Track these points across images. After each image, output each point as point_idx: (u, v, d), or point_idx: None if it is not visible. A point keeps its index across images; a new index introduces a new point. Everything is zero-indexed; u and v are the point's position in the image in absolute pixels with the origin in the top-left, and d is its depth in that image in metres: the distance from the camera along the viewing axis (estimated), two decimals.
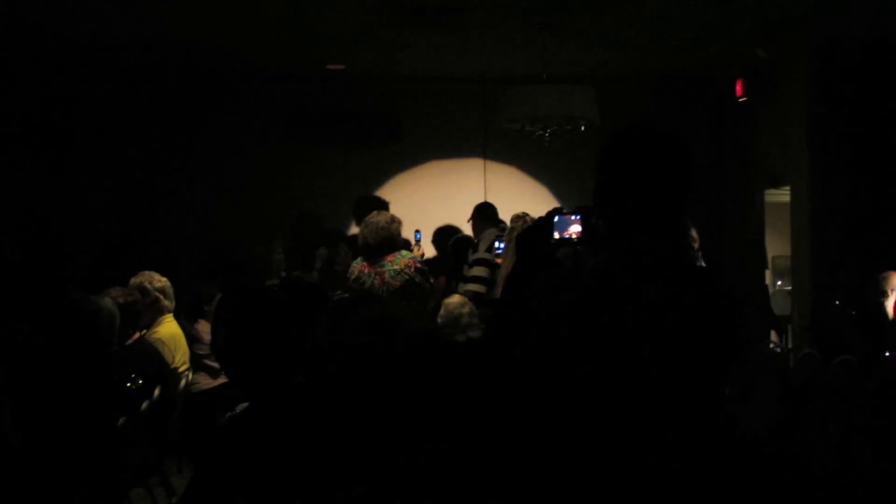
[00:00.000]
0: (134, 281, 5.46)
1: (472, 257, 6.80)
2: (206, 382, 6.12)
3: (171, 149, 8.21)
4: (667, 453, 2.08)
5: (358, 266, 5.54)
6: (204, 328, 6.27)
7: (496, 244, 6.46)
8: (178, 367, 5.45)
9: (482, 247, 6.73)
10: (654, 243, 2.15)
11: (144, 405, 4.70)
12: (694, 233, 5.07)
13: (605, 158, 2.23)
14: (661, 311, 2.08)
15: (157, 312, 5.50)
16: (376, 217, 5.56)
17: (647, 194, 2.15)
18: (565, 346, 2.15)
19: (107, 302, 4.64)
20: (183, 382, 5.43)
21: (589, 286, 2.18)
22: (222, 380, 6.14)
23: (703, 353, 2.10)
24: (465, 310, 4.88)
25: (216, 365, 6.16)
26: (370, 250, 5.47)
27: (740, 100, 8.03)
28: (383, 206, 7.31)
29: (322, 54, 7.45)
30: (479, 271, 6.53)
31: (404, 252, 5.62)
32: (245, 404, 3.09)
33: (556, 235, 2.39)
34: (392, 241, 5.48)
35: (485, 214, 7.03)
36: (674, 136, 2.20)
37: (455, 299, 5.05)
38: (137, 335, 5.12)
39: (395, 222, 5.59)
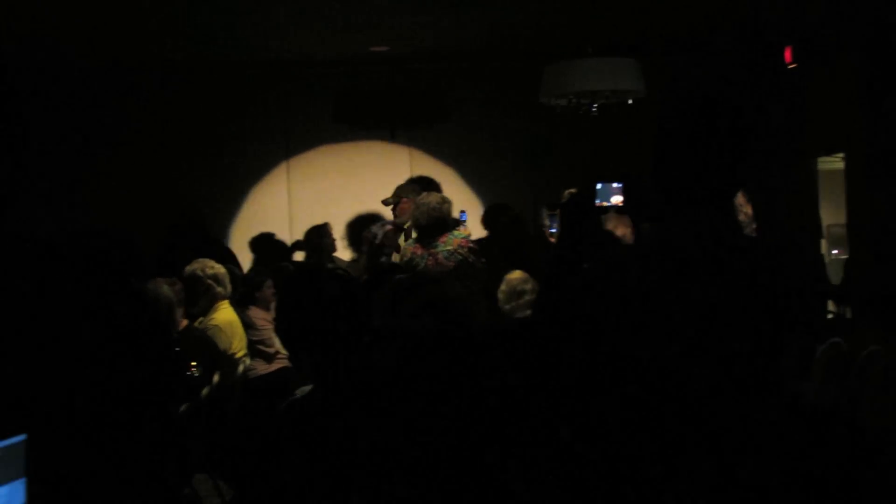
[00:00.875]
0: (188, 268, 5.51)
1: (406, 244, 6.48)
2: (262, 368, 6.16)
3: (222, 136, 8.28)
4: (732, 428, 2.05)
5: (410, 248, 5.53)
6: (255, 314, 6.32)
7: (548, 222, 6.34)
8: (236, 353, 5.48)
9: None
10: (709, 215, 2.11)
11: (205, 391, 4.74)
12: (748, 207, 4.97)
13: (663, 128, 2.19)
14: (715, 287, 2.04)
15: (212, 299, 5.54)
16: (427, 198, 5.53)
17: (704, 163, 2.11)
18: (626, 323, 2.12)
19: (164, 290, 4.68)
20: (241, 368, 5.47)
21: (653, 263, 2.14)
22: (278, 365, 6.20)
23: (754, 328, 2.07)
24: (528, 286, 4.77)
25: (270, 350, 6.22)
26: (422, 231, 5.45)
27: (790, 66, 7.88)
28: (434, 187, 7.25)
29: (365, 37, 7.43)
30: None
31: (456, 232, 5.59)
32: (305, 388, 3.09)
33: (601, 203, 2.38)
34: (444, 221, 5.46)
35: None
36: (730, 105, 2.15)
37: (517, 275, 4.94)
38: (185, 322, 5.15)
39: (446, 203, 5.56)
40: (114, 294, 1.68)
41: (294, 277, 3.74)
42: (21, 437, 1.39)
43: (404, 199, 6.61)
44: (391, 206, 6.74)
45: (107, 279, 1.67)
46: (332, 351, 2.99)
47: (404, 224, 6.53)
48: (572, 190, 6.15)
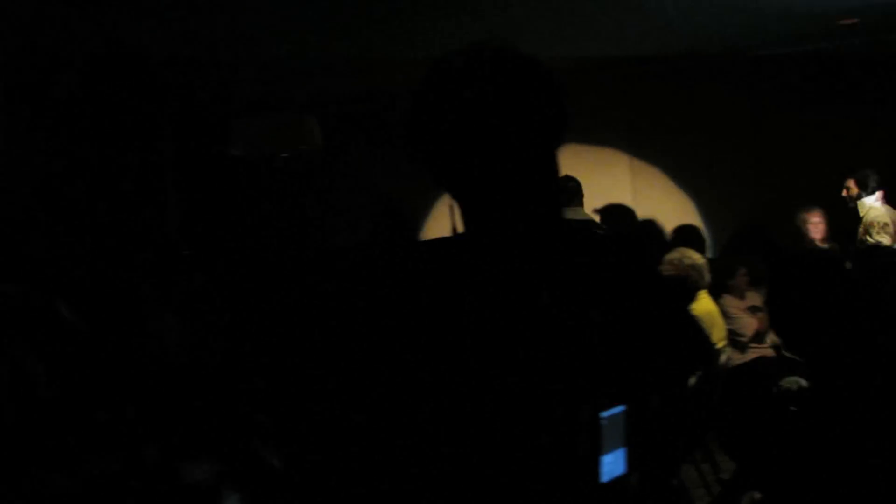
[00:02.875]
0: (668, 257, 5.53)
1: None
2: (736, 357, 6.06)
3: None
4: None
5: None
6: (728, 303, 6.23)
7: None
8: (716, 344, 5.42)
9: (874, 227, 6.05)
10: None
11: (692, 380, 4.72)
12: None
13: None
14: None
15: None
16: None
17: None
18: None
19: None
20: (723, 358, 5.41)
21: None
22: (752, 354, 6.08)
23: None
24: None
25: (744, 339, 6.10)
26: None
27: None
28: None
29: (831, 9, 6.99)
30: None
31: None
32: (792, 379, 2.96)
33: None
34: None
35: (864, 185, 6.20)
36: None
37: None
38: None
39: None
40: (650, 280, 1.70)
41: (794, 263, 3.60)
42: (621, 408, 1.42)
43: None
44: None
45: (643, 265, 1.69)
46: (834, 340, 2.85)
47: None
48: None
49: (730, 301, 6.27)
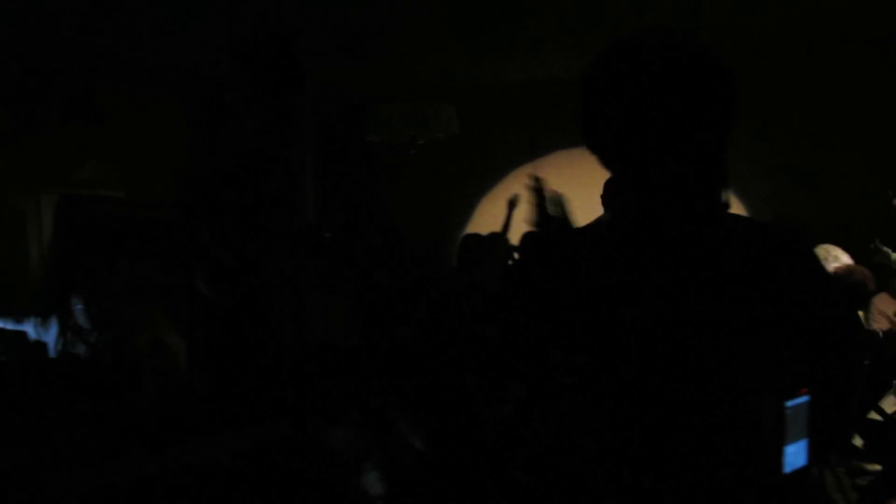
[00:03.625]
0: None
1: None
2: None
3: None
4: None
5: None
6: (881, 301, 6.03)
7: None
8: None
9: None
10: None
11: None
12: None
13: None
14: None
15: None
16: None
17: None
18: None
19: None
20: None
21: None
22: None
23: None
24: None
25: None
26: None
27: None
28: None
29: None
30: None
31: None
32: None
33: None
34: None
35: None
36: None
37: None
38: None
39: None
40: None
41: None
42: (805, 398, 1.39)
43: None
44: None
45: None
46: None
47: None
48: None
49: (884, 299, 6.05)
